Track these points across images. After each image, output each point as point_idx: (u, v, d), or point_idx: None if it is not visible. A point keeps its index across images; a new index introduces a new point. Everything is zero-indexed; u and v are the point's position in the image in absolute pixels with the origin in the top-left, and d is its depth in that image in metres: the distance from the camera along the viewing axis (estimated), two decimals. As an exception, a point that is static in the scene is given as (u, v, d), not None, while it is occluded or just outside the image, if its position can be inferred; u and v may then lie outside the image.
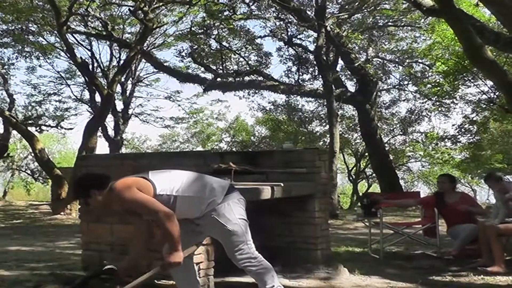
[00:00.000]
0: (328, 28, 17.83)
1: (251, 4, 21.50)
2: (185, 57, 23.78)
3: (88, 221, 5.84)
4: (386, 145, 25.03)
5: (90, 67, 21.47)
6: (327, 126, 21.95)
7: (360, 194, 27.91)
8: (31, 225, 14.59)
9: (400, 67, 25.03)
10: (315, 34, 19.27)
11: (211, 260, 5.30)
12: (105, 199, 4.22)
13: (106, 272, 4.74)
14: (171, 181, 4.29)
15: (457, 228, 7.73)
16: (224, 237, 4.40)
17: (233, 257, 4.39)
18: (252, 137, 32.90)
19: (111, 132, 26.46)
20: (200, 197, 4.31)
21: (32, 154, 22.31)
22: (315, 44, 19.14)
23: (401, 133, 27.67)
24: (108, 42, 23.76)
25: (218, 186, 4.41)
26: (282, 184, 5.83)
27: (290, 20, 22.06)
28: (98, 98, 21.19)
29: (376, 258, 7.80)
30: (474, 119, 23.24)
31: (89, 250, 5.82)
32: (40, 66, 25.13)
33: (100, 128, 22.07)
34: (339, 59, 21.36)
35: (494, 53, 14.15)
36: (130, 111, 28.31)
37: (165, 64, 24.11)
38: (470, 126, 23.69)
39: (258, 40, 24.03)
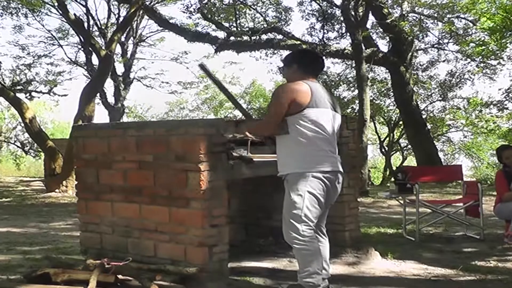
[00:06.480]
0: (357, -22, 17.69)
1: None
2: (193, 13, 23.69)
3: (86, 199, 5.87)
4: (423, 112, 24.94)
5: (86, 25, 21.49)
6: (356, 91, 21.88)
7: (394, 168, 27.88)
8: (22, 203, 14.71)
9: (440, 24, 24.74)
10: (342, -14, 19.13)
11: (225, 243, 5.31)
12: (290, 77, 4.97)
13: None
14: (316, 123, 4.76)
15: (507, 205, 7.64)
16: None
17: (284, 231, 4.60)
18: (270, 104, 32.88)
19: (110, 99, 26.64)
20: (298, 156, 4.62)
21: (22, 124, 22.46)
22: (342, -3, 19.00)
23: (440, 98, 27.52)
24: (105, -4, 23.79)
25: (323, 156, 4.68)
26: (305, 157, 5.81)
27: (313, -31, 21.91)
28: (95, 60, 21.26)
29: (411, 241, 7.82)
30: (524, 82, 23.09)
31: (87, 231, 5.86)
32: (28, 24, 25.24)
33: (98, 94, 22.16)
34: (370, 14, 21.18)
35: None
36: (131, 75, 28.46)
37: (170, 21, 24.02)
38: (519, 91, 23.57)
39: (277, -7, 23.92)
